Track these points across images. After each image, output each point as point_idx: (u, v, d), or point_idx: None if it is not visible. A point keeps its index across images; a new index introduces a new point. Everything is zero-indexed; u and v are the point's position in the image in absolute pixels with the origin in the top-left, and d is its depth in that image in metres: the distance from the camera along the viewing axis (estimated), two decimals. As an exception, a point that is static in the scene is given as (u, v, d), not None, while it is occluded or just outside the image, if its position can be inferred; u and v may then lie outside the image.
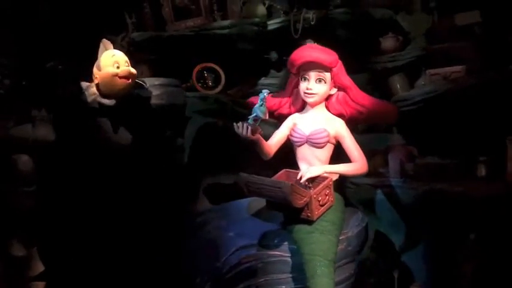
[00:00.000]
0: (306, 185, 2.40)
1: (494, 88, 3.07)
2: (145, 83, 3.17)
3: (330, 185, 2.42)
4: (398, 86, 3.79)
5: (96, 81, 2.93)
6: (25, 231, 2.89)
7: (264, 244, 2.45)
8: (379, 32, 3.91)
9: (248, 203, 2.79)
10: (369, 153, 2.68)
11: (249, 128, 2.25)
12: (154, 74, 3.65)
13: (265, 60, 4.32)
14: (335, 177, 2.51)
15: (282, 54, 4.25)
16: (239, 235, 2.53)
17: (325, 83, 2.50)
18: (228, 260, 2.45)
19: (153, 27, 4.14)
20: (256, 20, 4.10)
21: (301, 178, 2.42)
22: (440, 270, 2.88)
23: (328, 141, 2.51)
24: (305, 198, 2.26)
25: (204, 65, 4.02)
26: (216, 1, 4.13)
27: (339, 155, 2.59)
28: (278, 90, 3.20)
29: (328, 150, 2.55)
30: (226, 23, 4.05)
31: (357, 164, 2.50)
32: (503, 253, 2.70)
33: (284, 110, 2.69)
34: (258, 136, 2.36)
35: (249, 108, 2.37)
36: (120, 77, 2.86)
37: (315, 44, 3.79)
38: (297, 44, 3.92)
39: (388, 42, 3.87)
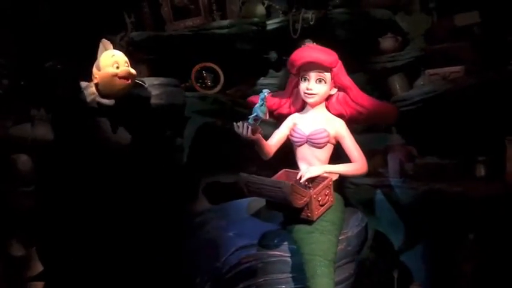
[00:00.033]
0: (305, 185, 2.40)
1: (493, 88, 3.08)
2: (144, 82, 3.17)
3: (330, 185, 2.42)
4: (397, 86, 3.80)
5: (95, 81, 2.93)
6: (24, 231, 2.88)
7: (263, 244, 2.45)
8: (378, 32, 3.92)
9: (248, 203, 2.79)
10: (369, 153, 2.67)
11: (250, 127, 2.24)
12: (153, 74, 3.65)
13: (264, 60, 4.32)
14: (335, 177, 2.50)
15: (281, 54, 4.26)
16: (239, 235, 2.53)
17: (325, 83, 2.49)
18: (228, 260, 2.44)
19: (152, 26, 4.14)
20: (255, 20, 4.11)
21: (300, 178, 2.42)
22: (439, 270, 2.88)
23: (328, 142, 2.51)
24: (305, 198, 2.26)
25: (203, 64, 4.03)
26: (215, 1, 4.14)
27: (339, 155, 2.59)
28: (277, 90, 3.20)
29: (327, 151, 2.54)
30: (225, 22, 4.06)
31: (356, 164, 2.50)
32: (502, 253, 2.70)
33: (284, 110, 2.68)
34: (258, 136, 2.35)
35: (249, 107, 2.37)
36: (120, 77, 2.86)
37: (314, 44, 3.82)
38: (296, 44, 3.97)
39: (387, 42, 3.88)
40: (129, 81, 2.89)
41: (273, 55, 4.33)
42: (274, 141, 2.59)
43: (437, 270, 2.89)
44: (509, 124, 2.89)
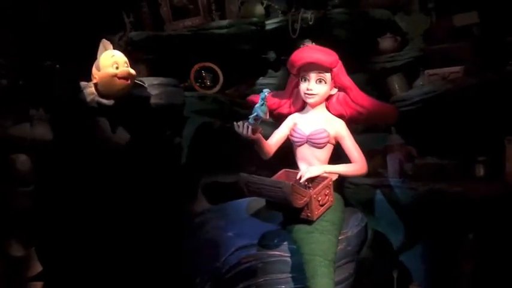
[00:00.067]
0: (305, 185, 2.40)
1: (492, 88, 3.08)
2: (144, 82, 3.17)
3: (330, 185, 2.42)
4: (396, 86, 3.81)
5: (94, 81, 2.92)
6: (23, 231, 2.87)
7: (263, 244, 2.45)
8: (377, 32, 3.93)
9: (247, 203, 2.78)
10: (368, 153, 2.67)
11: (250, 127, 2.24)
12: (152, 74, 3.65)
13: (263, 60, 4.32)
14: (334, 177, 2.51)
15: (280, 54, 4.26)
16: (238, 235, 2.53)
17: (326, 83, 2.49)
18: (228, 260, 2.44)
19: (151, 26, 4.14)
20: (254, 19, 4.12)
21: (300, 178, 2.42)
22: (439, 270, 2.88)
23: (328, 142, 2.51)
24: (305, 198, 2.26)
25: (202, 64, 4.03)
26: (214, 1, 4.15)
27: (338, 155, 2.59)
28: (276, 90, 3.20)
29: (327, 151, 2.55)
30: (224, 22, 4.07)
31: (356, 164, 2.51)
32: (501, 253, 2.70)
33: (284, 110, 2.68)
34: (258, 135, 2.35)
35: (249, 106, 2.36)
36: (119, 78, 2.86)
37: (314, 44, 3.83)
38: (295, 44, 3.97)
39: (386, 42, 3.89)
40: (129, 81, 2.89)
41: (271, 55, 4.34)
42: (274, 141, 2.59)
43: (436, 270, 2.89)
44: (509, 124, 2.89)
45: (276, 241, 2.45)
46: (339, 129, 2.52)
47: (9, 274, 2.82)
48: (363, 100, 2.57)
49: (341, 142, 2.53)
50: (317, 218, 2.34)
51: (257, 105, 2.22)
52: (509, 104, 2.97)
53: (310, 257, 2.23)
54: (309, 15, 4.02)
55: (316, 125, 2.52)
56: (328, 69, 2.47)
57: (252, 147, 2.47)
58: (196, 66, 4.00)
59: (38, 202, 2.90)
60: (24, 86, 2.98)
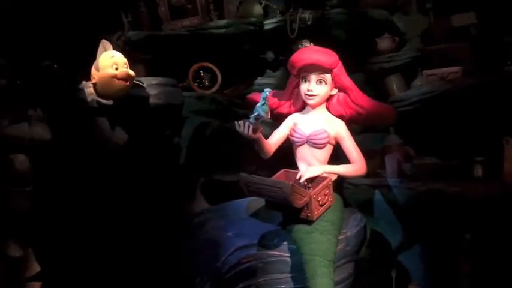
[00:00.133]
0: (305, 185, 2.40)
1: (490, 89, 3.09)
2: (142, 82, 3.17)
3: (330, 185, 2.42)
4: (394, 86, 3.82)
5: (93, 81, 2.92)
6: (21, 232, 2.86)
7: (263, 244, 2.44)
8: (375, 33, 3.94)
9: (247, 203, 2.78)
10: (367, 153, 2.67)
11: (251, 126, 2.24)
12: (150, 74, 3.64)
13: (261, 60, 4.32)
14: (334, 177, 2.51)
15: (278, 54, 4.27)
16: (238, 235, 2.52)
17: (326, 84, 2.49)
18: (228, 260, 2.43)
19: (149, 26, 4.14)
20: (253, 19, 4.12)
21: (300, 178, 2.42)
22: (437, 270, 2.89)
23: (328, 142, 2.51)
24: (305, 198, 2.26)
25: (200, 64, 4.03)
26: (212, 1, 4.15)
27: (338, 155, 2.59)
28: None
29: (327, 151, 2.55)
30: (222, 22, 4.06)
31: (355, 165, 2.51)
32: (500, 253, 2.71)
33: (284, 110, 2.68)
34: (259, 135, 2.35)
35: (249, 104, 2.36)
36: (118, 79, 2.86)
37: (312, 44, 3.84)
38: (293, 44, 3.98)
39: (384, 42, 3.90)
40: (128, 82, 2.89)
41: (270, 55, 4.34)
42: (274, 141, 2.59)
43: (435, 270, 2.89)
44: (507, 124, 2.90)
45: (275, 241, 2.44)
46: (339, 129, 2.53)
47: (7, 274, 2.82)
48: (362, 101, 2.58)
49: (341, 142, 2.53)
50: (317, 218, 2.34)
51: (258, 104, 2.21)
52: (508, 104, 2.98)
53: (310, 257, 2.23)
54: (307, 15, 4.03)
55: (316, 126, 2.52)
56: (328, 70, 2.47)
57: (251, 146, 2.47)
58: (194, 66, 4.00)
59: (36, 202, 2.89)
60: (22, 86, 2.97)
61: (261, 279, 2.43)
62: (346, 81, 2.54)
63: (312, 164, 2.53)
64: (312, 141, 2.51)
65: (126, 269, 2.92)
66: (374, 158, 3.18)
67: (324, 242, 2.28)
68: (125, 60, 2.91)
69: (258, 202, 2.64)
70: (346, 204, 2.70)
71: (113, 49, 2.99)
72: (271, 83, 4.12)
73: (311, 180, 2.43)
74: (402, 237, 3.05)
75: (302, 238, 2.31)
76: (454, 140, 3.10)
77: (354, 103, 2.56)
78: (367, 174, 2.63)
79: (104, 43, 2.93)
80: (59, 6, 3.53)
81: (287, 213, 2.47)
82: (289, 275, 2.42)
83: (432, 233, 2.93)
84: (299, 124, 2.58)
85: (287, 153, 2.64)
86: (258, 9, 4.20)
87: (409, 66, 3.82)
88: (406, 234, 3.04)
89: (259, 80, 4.28)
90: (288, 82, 2.69)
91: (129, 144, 3.07)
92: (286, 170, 2.58)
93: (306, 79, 2.50)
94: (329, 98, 2.58)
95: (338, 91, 2.57)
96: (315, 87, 2.48)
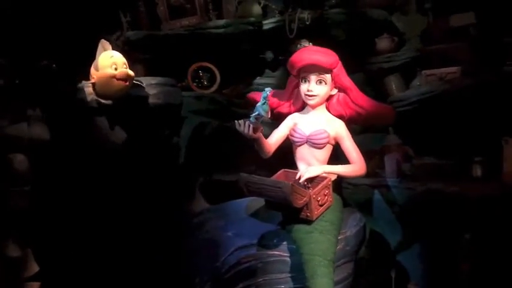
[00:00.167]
0: (305, 185, 2.40)
1: (489, 89, 3.10)
2: (141, 82, 3.16)
3: (329, 185, 2.42)
4: (393, 86, 3.83)
5: (92, 81, 2.91)
6: (20, 231, 2.86)
7: (263, 244, 2.44)
8: (374, 33, 3.94)
9: (246, 203, 2.78)
10: (366, 153, 2.68)
11: (251, 125, 2.23)
12: (149, 73, 3.64)
13: (260, 59, 4.32)
14: (333, 177, 2.50)
15: (277, 54, 4.27)
16: (238, 235, 2.52)
17: (326, 84, 2.49)
18: (227, 259, 2.43)
19: (148, 26, 4.15)
20: (252, 19, 4.13)
21: (300, 178, 2.42)
22: (436, 269, 2.90)
23: (328, 142, 2.51)
24: (305, 198, 2.25)
25: (199, 64, 4.04)
26: (211, 0, 4.15)
27: (337, 156, 2.59)
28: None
29: (327, 151, 2.54)
30: (221, 22, 4.07)
31: (355, 165, 2.50)
32: (498, 253, 2.71)
33: (284, 109, 2.68)
34: (259, 134, 2.34)
35: (249, 103, 2.35)
36: (118, 79, 2.85)
37: (311, 44, 3.84)
38: (292, 43, 3.98)
39: (383, 42, 3.90)
40: (127, 82, 2.89)
41: (269, 55, 4.34)
42: (274, 140, 2.58)
43: (434, 270, 2.90)
44: (506, 124, 2.90)
45: (275, 241, 2.44)
46: (339, 129, 2.52)
47: (6, 274, 2.81)
48: (362, 101, 2.57)
49: (340, 143, 2.53)
50: (316, 218, 2.34)
51: (259, 103, 2.21)
52: (507, 105, 2.98)
53: (309, 257, 2.23)
54: (305, 15, 4.03)
55: (316, 126, 2.52)
56: (328, 70, 2.46)
57: (250, 146, 2.47)
58: (193, 66, 4.00)
59: (35, 202, 2.89)
60: (21, 86, 2.97)
61: (261, 279, 2.42)
62: (346, 81, 2.54)
63: (311, 164, 2.53)
64: (312, 141, 2.51)
65: (126, 269, 2.92)
66: (373, 158, 3.19)
67: (324, 241, 2.28)
68: (124, 60, 2.91)
69: (257, 202, 2.64)
70: (346, 204, 2.70)
71: (112, 49, 2.99)
72: (270, 82, 4.12)
73: (311, 180, 2.42)
74: (401, 237, 3.06)
75: (302, 238, 2.31)
76: (453, 140, 3.11)
77: (353, 103, 2.56)
78: (367, 174, 2.63)
79: (104, 43, 2.93)
80: (58, 6, 3.52)
81: (287, 213, 2.46)
82: (289, 275, 2.41)
83: (431, 233, 2.94)
84: (299, 124, 2.58)
85: (287, 153, 2.64)
86: (257, 9, 4.21)
87: (408, 66, 3.83)
88: (405, 234, 3.05)
89: (258, 80, 4.29)
90: (287, 82, 2.68)
91: (128, 144, 3.07)
92: (285, 170, 2.58)
93: (306, 79, 2.50)
94: (329, 98, 2.57)
95: (338, 91, 2.57)
96: (315, 88, 2.48)
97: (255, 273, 2.42)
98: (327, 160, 2.56)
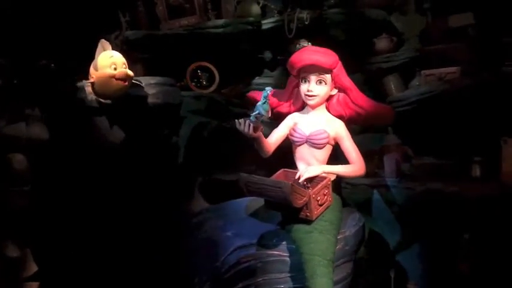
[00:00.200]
0: (304, 185, 2.40)
1: (488, 89, 3.11)
2: (141, 82, 3.16)
3: (329, 184, 2.42)
4: (392, 86, 3.83)
5: (91, 81, 2.91)
6: (19, 232, 2.86)
7: (262, 243, 2.43)
8: (373, 33, 3.94)
9: (246, 203, 2.77)
10: (365, 153, 2.68)
11: (251, 125, 2.23)
12: (148, 73, 3.64)
13: (259, 59, 4.32)
14: (333, 177, 2.50)
15: (276, 54, 4.27)
16: (237, 235, 2.51)
17: (326, 84, 2.49)
18: (227, 259, 2.43)
19: (147, 25, 4.14)
20: (251, 19, 4.13)
21: (299, 178, 2.42)
22: (435, 269, 2.90)
23: (327, 142, 2.51)
24: (304, 198, 2.25)
25: (198, 64, 4.03)
26: (210, 0, 4.13)
27: (336, 156, 2.59)
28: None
29: (326, 151, 2.54)
30: (220, 22, 4.06)
31: (354, 165, 2.50)
32: (497, 253, 2.72)
33: (283, 109, 2.68)
34: (259, 133, 2.34)
35: (250, 103, 2.35)
36: (117, 79, 2.85)
37: (309, 44, 3.84)
38: (291, 43, 3.98)
39: (382, 43, 3.91)
40: (126, 82, 2.89)
41: (267, 55, 4.34)
42: (274, 140, 2.58)
43: (433, 269, 2.90)
44: (505, 124, 2.91)
45: (275, 241, 2.43)
46: (339, 130, 2.52)
47: (5, 274, 2.81)
48: (362, 101, 2.57)
49: (340, 143, 2.53)
50: (316, 218, 2.34)
51: (259, 103, 2.21)
52: (505, 105, 2.99)
53: (309, 257, 2.22)
54: (304, 15, 4.03)
55: (316, 126, 2.52)
56: (328, 71, 2.46)
57: (249, 146, 2.47)
58: (192, 66, 4.00)
59: (34, 202, 2.89)
60: (20, 86, 2.96)
61: (260, 279, 2.42)
62: (346, 81, 2.54)
63: (311, 164, 2.53)
64: (312, 141, 2.51)
65: (125, 269, 2.92)
66: (372, 157, 3.19)
67: (323, 241, 2.28)
68: (123, 60, 2.91)
69: (257, 202, 2.63)
70: (345, 204, 2.70)
71: (112, 49, 2.99)
72: (269, 82, 4.13)
73: (310, 180, 2.42)
74: (400, 236, 3.07)
75: (301, 238, 2.31)
76: (452, 140, 3.11)
77: (353, 103, 2.56)
78: (366, 174, 2.63)
79: (103, 43, 2.92)
80: (57, 6, 3.51)
81: (286, 213, 2.46)
82: (289, 275, 2.41)
83: (430, 233, 2.94)
84: (299, 124, 2.58)
85: (286, 153, 2.64)
86: (255, 8, 4.21)
87: (407, 67, 3.83)
88: (404, 233, 3.05)
89: (257, 80, 4.29)
90: (287, 82, 2.68)
91: (127, 144, 3.06)
92: (285, 169, 2.58)
93: (306, 79, 2.50)
94: (329, 98, 2.58)
95: (338, 91, 2.57)
96: (315, 88, 2.48)
97: (254, 273, 2.42)
98: (326, 160, 2.56)
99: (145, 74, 3.57)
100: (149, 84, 3.21)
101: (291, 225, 2.40)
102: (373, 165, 3.18)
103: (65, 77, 3.08)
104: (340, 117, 2.57)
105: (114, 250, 2.94)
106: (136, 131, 3.11)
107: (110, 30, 3.94)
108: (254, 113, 2.21)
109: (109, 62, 2.85)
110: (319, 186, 2.35)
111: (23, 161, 2.86)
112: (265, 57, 4.33)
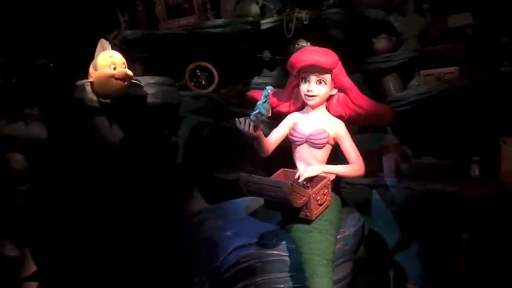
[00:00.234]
0: (304, 185, 2.40)
1: (487, 89, 3.11)
2: (140, 82, 3.16)
3: (328, 184, 2.42)
4: (391, 86, 3.83)
5: (91, 80, 2.91)
6: (18, 231, 2.85)
7: (262, 243, 2.43)
8: (372, 33, 3.94)
9: (245, 203, 2.77)
10: (365, 153, 2.68)
11: (251, 124, 2.23)
12: (147, 73, 3.63)
13: (258, 59, 4.32)
14: (332, 177, 2.51)
15: (275, 54, 4.27)
16: (237, 234, 2.51)
17: (326, 84, 2.49)
18: (226, 259, 2.42)
19: (146, 25, 4.14)
20: (250, 19, 4.13)
21: (299, 177, 2.42)
22: (434, 269, 2.90)
23: (327, 142, 2.51)
24: (304, 198, 2.25)
25: (197, 63, 4.03)
26: (209, 0, 4.12)
27: (336, 156, 2.60)
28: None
29: (326, 151, 2.55)
30: (219, 21, 4.06)
31: (354, 165, 2.51)
32: (497, 252, 2.72)
33: (283, 109, 2.68)
34: (259, 133, 2.34)
35: (250, 102, 2.34)
36: (116, 79, 2.85)
37: (308, 44, 3.84)
38: (290, 43, 3.98)
39: (381, 43, 3.91)
40: (125, 82, 2.89)
41: (266, 54, 4.34)
42: (273, 139, 2.58)
43: (432, 269, 2.91)
44: (504, 124, 2.92)
45: (274, 240, 2.43)
46: (339, 130, 2.53)
47: (4, 274, 2.81)
48: (362, 101, 2.57)
49: (340, 143, 2.53)
50: (316, 218, 2.34)
51: (259, 102, 2.21)
52: (504, 105, 2.99)
53: (309, 256, 2.22)
54: (303, 15, 4.03)
55: (316, 126, 2.52)
56: (328, 71, 2.46)
57: (249, 145, 2.47)
58: (191, 66, 3.99)
59: (33, 201, 2.88)
60: (18, 85, 2.96)
61: (260, 279, 2.42)
62: (346, 81, 2.54)
63: (310, 164, 2.53)
64: (312, 141, 2.51)
65: (124, 269, 2.91)
66: (371, 157, 3.19)
67: (323, 241, 2.28)
68: (123, 60, 2.91)
69: (256, 202, 2.63)
70: (344, 203, 2.70)
71: (111, 48, 2.98)
72: (268, 82, 4.11)
73: (310, 179, 2.43)
74: (400, 236, 3.07)
75: (301, 237, 2.31)
76: (451, 140, 3.12)
77: (353, 103, 2.56)
78: (365, 174, 2.63)
79: (103, 43, 2.92)
80: (56, 5, 3.51)
81: (286, 213, 2.46)
82: (288, 275, 2.41)
83: (429, 233, 2.95)
84: (299, 123, 2.58)
85: (286, 153, 2.64)
86: (255, 8, 4.20)
87: (406, 67, 3.83)
88: (403, 233, 3.05)
89: (256, 80, 4.29)
90: (287, 82, 2.68)
91: (127, 144, 3.06)
92: (285, 169, 2.58)
93: (305, 80, 2.50)
94: (329, 98, 2.58)
95: (338, 91, 2.57)
96: (315, 88, 2.48)
97: (254, 273, 2.42)
98: (326, 160, 2.56)
99: (144, 74, 3.56)
100: (148, 84, 3.21)
101: (290, 225, 2.40)
102: (372, 165, 3.18)
103: (64, 76, 3.08)
104: (340, 117, 2.58)
105: (114, 250, 2.94)
106: (136, 130, 3.11)
107: (109, 30, 3.92)
108: (254, 112, 2.21)
109: (108, 61, 2.85)
110: (319, 186, 2.36)
111: (21, 161, 2.86)
112: (264, 57, 4.33)
